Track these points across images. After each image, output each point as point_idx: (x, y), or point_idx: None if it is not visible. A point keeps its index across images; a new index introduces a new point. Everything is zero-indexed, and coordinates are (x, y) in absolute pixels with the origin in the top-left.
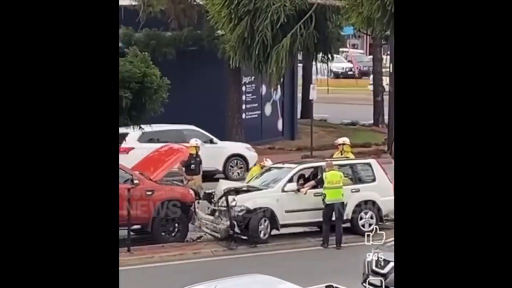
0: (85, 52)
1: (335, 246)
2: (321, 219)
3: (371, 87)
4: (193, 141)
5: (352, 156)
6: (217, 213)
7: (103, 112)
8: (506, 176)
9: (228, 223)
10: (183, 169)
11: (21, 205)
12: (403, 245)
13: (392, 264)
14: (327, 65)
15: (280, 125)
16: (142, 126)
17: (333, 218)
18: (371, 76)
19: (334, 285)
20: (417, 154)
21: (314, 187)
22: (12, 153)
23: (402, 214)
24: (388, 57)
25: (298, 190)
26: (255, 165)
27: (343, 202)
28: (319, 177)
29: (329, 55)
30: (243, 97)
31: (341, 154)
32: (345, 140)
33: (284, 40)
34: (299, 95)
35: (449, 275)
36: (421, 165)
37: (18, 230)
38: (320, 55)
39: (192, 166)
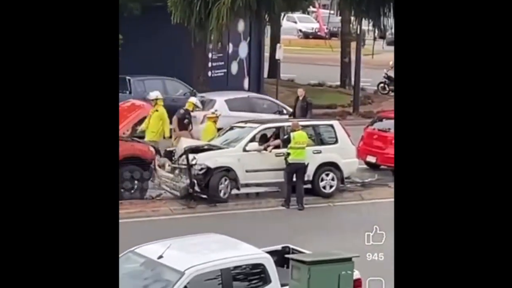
0: (84, 46)
1: (296, 207)
2: (282, 180)
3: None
4: (194, 99)
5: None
6: (177, 171)
7: (102, 102)
8: (506, 174)
9: (188, 181)
10: (176, 123)
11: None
12: (403, 245)
13: None
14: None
15: (246, 84)
16: None
17: (295, 179)
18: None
19: (291, 246)
20: (417, 154)
21: (278, 146)
22: (10, 145)
23: (402, 214)
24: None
25: (265, 149)
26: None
27: (305, 163)
28: (286, 136)
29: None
30: (209, 55)
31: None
32: (158, 95)
33: None
34: (266, 54)
35: (448, 274)
36: (421, 164)
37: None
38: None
39: (186, 121)
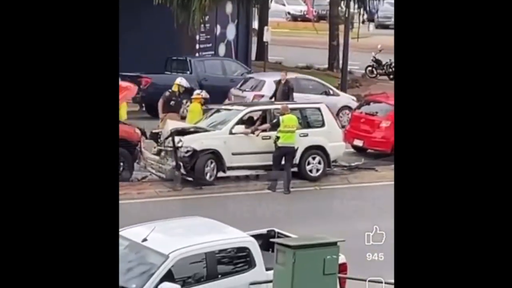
0: (84, 44)
1: (282, 190)
2: (268, 163)
3: None
4: (178, 80)
5: None
6: (163, 153)
7: (103, 103)
8: (506, 174)
9: (174, 163)
10: (161, 106)
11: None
12: (403, 245)
13: None
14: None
15: None
16: None
17: (283, 162)
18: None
19: (276, 230)
20: (417, 153)
21: (266, 130)
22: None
23: (402, 215)
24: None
25: (253, 132)
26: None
27: (294, 147)
28: (275, 120)
29: None
30: (197, 37)
31: None
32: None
33: None
34: (254, 37)
35: (449, 274)
36: (421, 165)
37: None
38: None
39: (172, 102)
